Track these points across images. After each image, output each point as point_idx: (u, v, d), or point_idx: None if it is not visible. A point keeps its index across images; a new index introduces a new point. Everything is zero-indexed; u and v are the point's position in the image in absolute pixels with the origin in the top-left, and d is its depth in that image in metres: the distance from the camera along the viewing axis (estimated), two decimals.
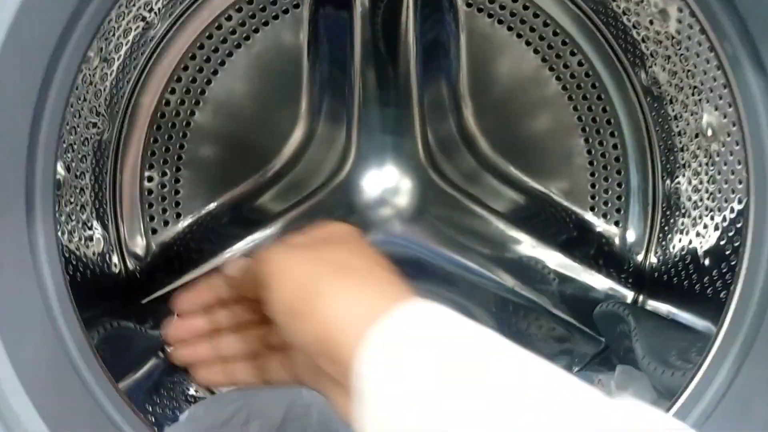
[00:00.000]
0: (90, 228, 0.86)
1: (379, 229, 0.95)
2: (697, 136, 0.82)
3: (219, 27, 0.93)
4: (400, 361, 0.39)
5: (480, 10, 0.94)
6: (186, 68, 0.93)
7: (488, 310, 0.98)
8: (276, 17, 0.93)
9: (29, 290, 0.51)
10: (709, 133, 0.77)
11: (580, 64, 0.94)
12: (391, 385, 0.38)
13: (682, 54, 0.78)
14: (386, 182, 0.95)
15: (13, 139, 0.50)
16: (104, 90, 0.85)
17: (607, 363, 0.91)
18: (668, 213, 0.92)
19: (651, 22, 0.81)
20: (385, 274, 0.47)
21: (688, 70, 0.78)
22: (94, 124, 0.85)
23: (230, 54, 0.93)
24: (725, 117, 0.72)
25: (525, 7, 0.93)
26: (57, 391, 0.53)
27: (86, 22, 0.53)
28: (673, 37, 0.78)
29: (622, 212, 0.97)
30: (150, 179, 0.94)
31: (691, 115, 0.81)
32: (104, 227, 0.90)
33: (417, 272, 0.95)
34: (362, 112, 0.93)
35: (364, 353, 0.40)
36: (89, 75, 0.79)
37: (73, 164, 0.82)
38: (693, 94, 0.79)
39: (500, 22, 0.94)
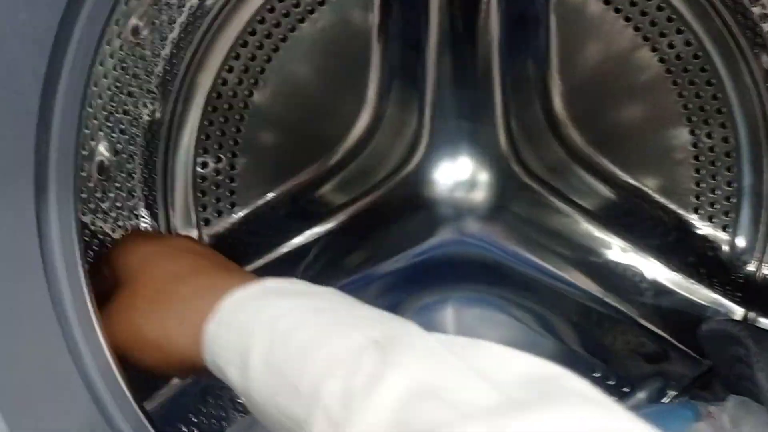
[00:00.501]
0: (137, 217, 0.83)
1: (452, 228, 0.92)
2: None
3: None
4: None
5: None
6: (245, 44, 0.89)
7: (569, 320, 0.94)
8: None
9: (36, 288, 0.44)
10: None
11: (687, 43, 0.88)
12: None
13: None
14: (461, 174, 0.92)
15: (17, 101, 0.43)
16: (157, 67, 0.82)
17: (710, 389, 0.84)
18: None
19: None
20: (220, 274, 0.61)
21: None
22: (145, 104, 0.82)
23: (293, 29, 0.89)
24: None
25: None
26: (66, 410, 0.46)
27: None
28: None
29: (731, 215, 0.90)
30: (204, 165, 0.90)
31: None
32: (153, 216, 0.86)
33: (492, 276, 0.92)
34: (436, 95, 0.90)
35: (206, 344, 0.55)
36: (140, 50, 0.76)
37: (121, 146, 0.78)
38: None
39: None
